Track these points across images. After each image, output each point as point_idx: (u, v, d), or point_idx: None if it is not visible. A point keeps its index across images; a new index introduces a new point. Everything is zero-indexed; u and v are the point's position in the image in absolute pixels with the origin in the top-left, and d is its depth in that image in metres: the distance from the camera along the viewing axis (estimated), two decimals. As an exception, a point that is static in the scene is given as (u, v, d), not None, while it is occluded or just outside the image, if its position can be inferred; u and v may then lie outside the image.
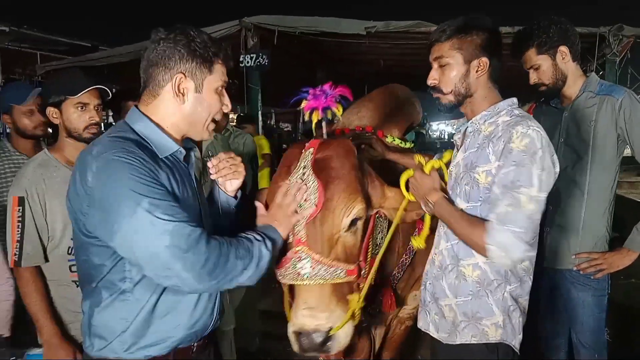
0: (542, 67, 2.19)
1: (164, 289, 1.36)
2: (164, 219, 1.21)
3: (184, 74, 1.37)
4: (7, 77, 8.12)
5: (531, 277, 1.69)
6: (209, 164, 1.59)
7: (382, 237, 1.82)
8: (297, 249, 1.57)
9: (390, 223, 1.83)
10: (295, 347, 1.59)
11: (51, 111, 2.05)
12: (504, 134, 1.55)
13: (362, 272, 1.67)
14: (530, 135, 1.49)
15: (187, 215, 1.27)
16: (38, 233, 1.97)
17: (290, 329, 1.59)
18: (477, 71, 1.63)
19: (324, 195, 1.58)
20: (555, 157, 1.56)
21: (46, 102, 2.06)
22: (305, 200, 1.58)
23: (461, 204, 1.65)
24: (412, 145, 2.30)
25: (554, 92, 2.23)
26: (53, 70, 6.95)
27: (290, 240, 1.59)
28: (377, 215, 1.80)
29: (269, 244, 1.41)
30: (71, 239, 1.99)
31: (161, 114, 1.41)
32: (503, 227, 1.47)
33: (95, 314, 1.38)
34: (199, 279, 1.24)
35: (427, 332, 1.81)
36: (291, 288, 1.68)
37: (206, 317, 1.47)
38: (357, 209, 1.64)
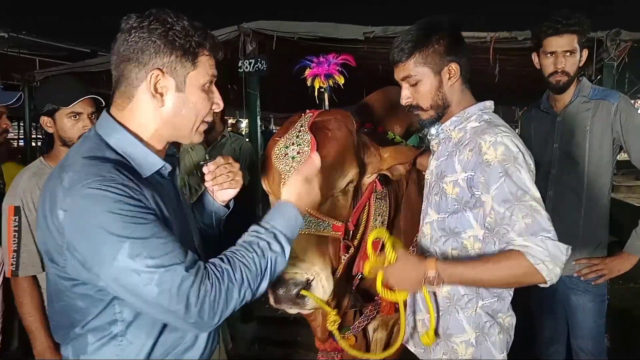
0: (575, 56, 2.13)
1: (162, 327, 1.20)
2: (149, 268, 1.03)
3: (162, 70, 1.16)
4: (6, 82, 8.11)
5: (511, 292, 1.60)
6: (205, 169, 1.48)
7: (381, 222, 1.80)
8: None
9: (390, 207, 1.82)
10: (271, 299, 1.54)
11: (45, 120, 2.03)
12: (471, 142, 1.49)
13: (349, 233, 1.65)
14: (503, 142, 1.43)
15: (177, 252, 1.08)
16: (35, 242, 1.95)
17: None
18: (449, 78, 1.56)
19: (316, 148, 1.55)
20: (532, 160, 1.50)
21: (40, 110, 2.04)
22: (298, 152, 1.56)
23: (433, 214, 1.60)
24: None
25: (565, 86, 2.18)
26: (50, 76, 6.94)
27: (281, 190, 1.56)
28: (377, 197, 1.79)
29: (285, 246, 1.20)
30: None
31: (138, 120, 1.21)
32: (536, 238, 1.35)
33: None
34: (197, 324, 1.09)
35: (407, 345, 1.77)
36: None
37: (210, 345, 1.35)
38: (352, 172, 1.64)
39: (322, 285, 1.52)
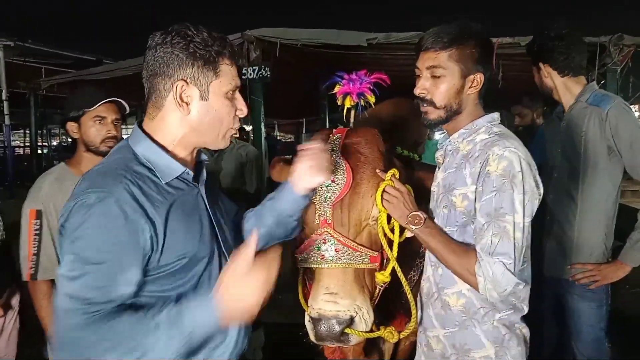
0: (534, 75, 2.31)
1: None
2: (66, 292, 1.07)
3: (186, 81, 1.22)
4: (12, 91, 8.19)
5: (526, 304, 1.57)
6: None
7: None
8: (322, 230, 1.51)
9: None
10: (312, 335, 1.51)
11: (71, 126, 2.10)
12: (481, 154, 1.46)
13: (384, 262, 1.60)
14: (508, 158, 1.40)
15: (108, 294, 1.07)
16: (54, 246, 1.98)
17: (309, 316, 1.50)
18: (471, 87, 1.52)
19: (352, 177, 1.52)
20: (537, 177, 1.47)
21: (66, 117, 2.11)
22: (332, 181, 1.52)
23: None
24: (419, 157, 2.31)
25: (545, 98, 2.38)
26: (58, 84, 7.00)
27: (316, 221, 1.54)
28: None
29: (175, 342, 1.09)
30: None
31: (167, 128, 1.27)
32: (491, 258, 1.38)
33: None
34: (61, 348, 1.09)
35: None
36: (307, 277, 1.63)
37: (239, 343, 1.35)
38: None
39: (365, 320, 1.49)
